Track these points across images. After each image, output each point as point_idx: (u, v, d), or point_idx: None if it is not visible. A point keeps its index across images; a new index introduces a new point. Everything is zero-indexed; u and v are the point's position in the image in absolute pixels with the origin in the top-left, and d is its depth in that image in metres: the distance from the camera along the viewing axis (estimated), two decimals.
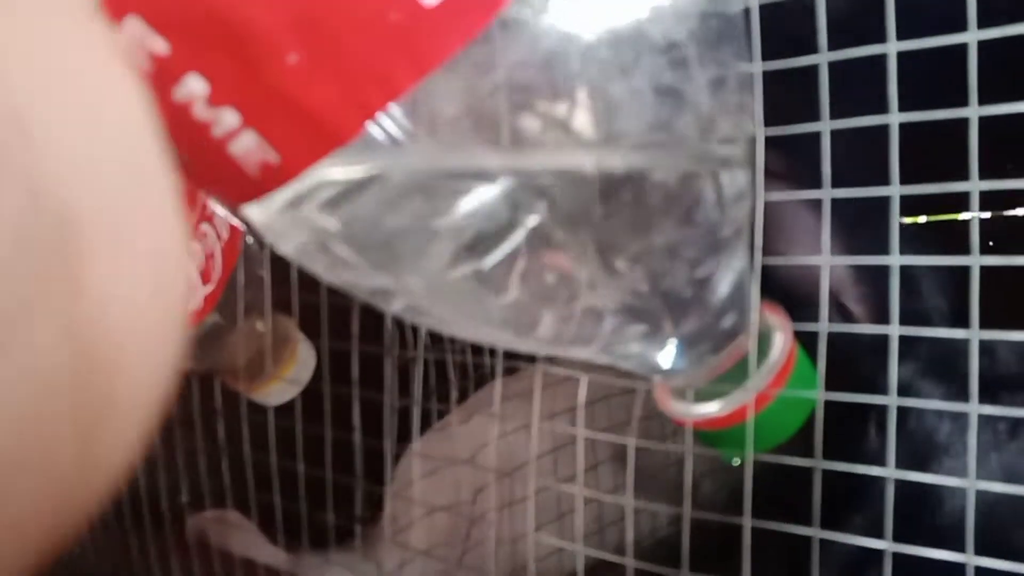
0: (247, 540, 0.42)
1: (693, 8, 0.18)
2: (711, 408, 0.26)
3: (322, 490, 0.37)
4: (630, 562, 0.27)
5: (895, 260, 0.23)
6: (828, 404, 0.25)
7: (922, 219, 0.35)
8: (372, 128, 0.16)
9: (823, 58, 0.22)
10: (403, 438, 0.37)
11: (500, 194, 0.18)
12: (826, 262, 0.24)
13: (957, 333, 0.22)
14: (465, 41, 0.16)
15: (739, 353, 0.26)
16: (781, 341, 0.26)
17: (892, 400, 0.24)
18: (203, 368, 0.40)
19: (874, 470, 0.29)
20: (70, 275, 0.09)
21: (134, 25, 0.16)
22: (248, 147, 0.17)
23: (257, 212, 0.19)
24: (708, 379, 0.26)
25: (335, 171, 0.18)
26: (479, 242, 0.20)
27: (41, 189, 0.09)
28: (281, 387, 0.42)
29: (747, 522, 0.25)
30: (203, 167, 0.18)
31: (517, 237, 0.19)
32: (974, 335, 0.22)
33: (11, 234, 0.09)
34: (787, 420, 0.26)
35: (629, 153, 0.17)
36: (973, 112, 0.21)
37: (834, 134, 0.23)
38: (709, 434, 0.27)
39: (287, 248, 0.22)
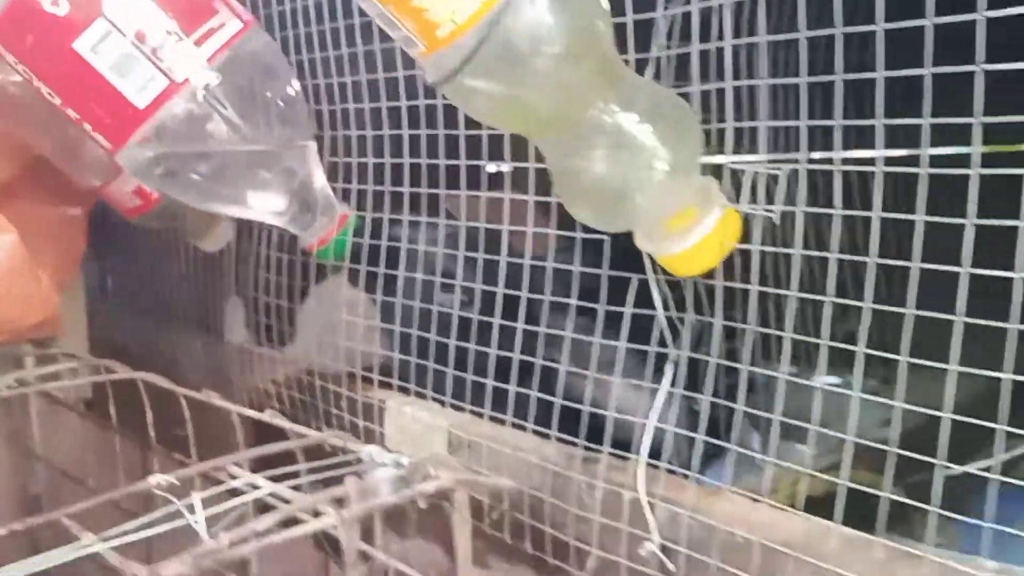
0: None
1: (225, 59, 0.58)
2: (313, 240, 0.65)
3: None
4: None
5: None
6: None
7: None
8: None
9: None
10: None
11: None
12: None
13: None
14: None
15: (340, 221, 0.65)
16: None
17: None
18: (163, 227, 0.81)
19: None
20: None
21: None
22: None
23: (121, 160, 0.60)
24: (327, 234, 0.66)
25: (142, 152, 0.59)
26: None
27: None
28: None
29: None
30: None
31: None
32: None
33: None
34: (338, 249, 0.65)
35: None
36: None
37: None
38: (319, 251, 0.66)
39: (151, 185, 0.64)
